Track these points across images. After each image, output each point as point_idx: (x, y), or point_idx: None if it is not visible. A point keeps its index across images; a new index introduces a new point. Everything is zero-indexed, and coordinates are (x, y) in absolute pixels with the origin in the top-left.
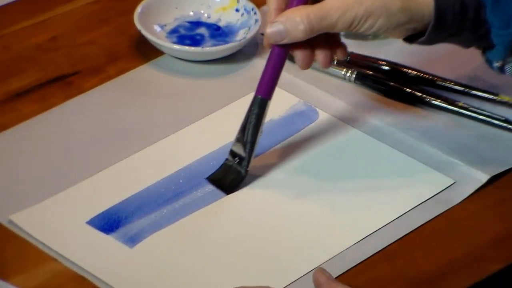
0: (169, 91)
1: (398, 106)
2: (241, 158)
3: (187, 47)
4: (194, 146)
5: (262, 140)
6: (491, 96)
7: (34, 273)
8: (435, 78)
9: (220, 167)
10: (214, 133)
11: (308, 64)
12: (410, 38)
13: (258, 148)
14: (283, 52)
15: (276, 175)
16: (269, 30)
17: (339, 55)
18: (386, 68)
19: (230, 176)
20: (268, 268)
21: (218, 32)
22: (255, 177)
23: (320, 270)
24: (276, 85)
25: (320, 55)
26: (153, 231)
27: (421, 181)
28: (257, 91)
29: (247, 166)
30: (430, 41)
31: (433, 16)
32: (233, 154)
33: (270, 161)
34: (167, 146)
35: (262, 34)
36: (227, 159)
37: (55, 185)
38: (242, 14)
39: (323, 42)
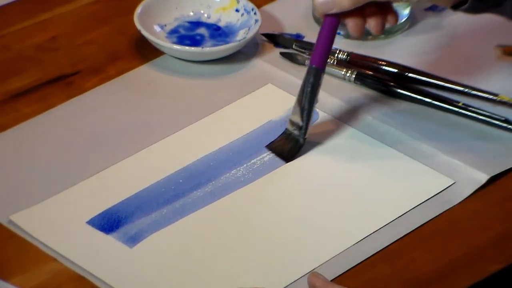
0: (169, 91)
1: (398, 106)
2: (299, 127)
3: (187, 47)
4: (194, 146)
5: (262, 141)
6: (491, 96)
7: (34, 273)
8: (435, 78)
9: (280, 135)
10: (214, 133)
11: (360, 32)
12: (457, 6)
13: (256, 149)
14: (334, 22)
15: (274, 176)
16: (318, 0)
17: (390, 21)
18: (386, 68)
19: (288, 144)
20: (267, 268)
21: (218, 32)
22: (254, 177)
23: (314, 274)
24: (329, 54)
25: (372, 22)
26: (153, 231)
27: (421, 181)
28: (311, 61)
29: (305, 134)
30: (473, 10)
31: None
32: (291, 123)
33: (268, 163)
34: (167, 146)
35: (262, 34)
36: (286, 128)
37: (55, 185)
38: (242, 14)
39: (374, 9)
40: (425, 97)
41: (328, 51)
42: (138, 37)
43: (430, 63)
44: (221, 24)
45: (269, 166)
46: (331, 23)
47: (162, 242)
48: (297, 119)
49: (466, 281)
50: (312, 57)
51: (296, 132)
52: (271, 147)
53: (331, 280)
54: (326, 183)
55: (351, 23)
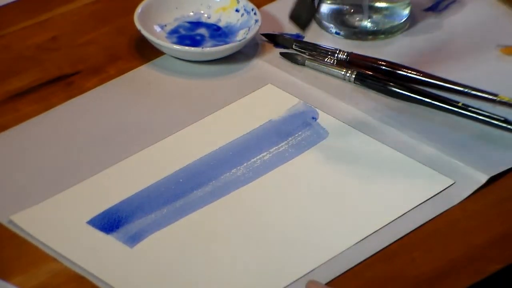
0: (169, 91)
1: (397, 106)
2: None
3: (187, 47)
4: (194, 146)
5: (262, 141)
6: (491, 96)
7: (34, 273)
8: (435, 78)
9: (296, 1)
10: (214, 133)
11: None
12: None
13: (257, 148)
14: None
15: (274, 176)
16: None
17: None
18: (386, 68)
19: (304, 13)
20: (267, 268)
21: (218, 33)
22: (254, 177)
23: (312, 282)
24: None
25: None
26: (153, 231)
27: (421, 181)
28: None
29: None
30: None
31: None
32: None
33: (268, 162)
34: (167, 146)
35: (262, 35)
36: None
37: (55, 185)
38: (242, 15)
39: None
40: (425, 97)
41: None
42: (138, 37)
43: (430, 63)
44: (221, 24)
45: (269, 165)
46: None
47: (162, 242)
48: None
49: (466, 281)
50: None
51: None
52: (291, 15)
53: (331, 281)
54: (325, 183)
55: None
